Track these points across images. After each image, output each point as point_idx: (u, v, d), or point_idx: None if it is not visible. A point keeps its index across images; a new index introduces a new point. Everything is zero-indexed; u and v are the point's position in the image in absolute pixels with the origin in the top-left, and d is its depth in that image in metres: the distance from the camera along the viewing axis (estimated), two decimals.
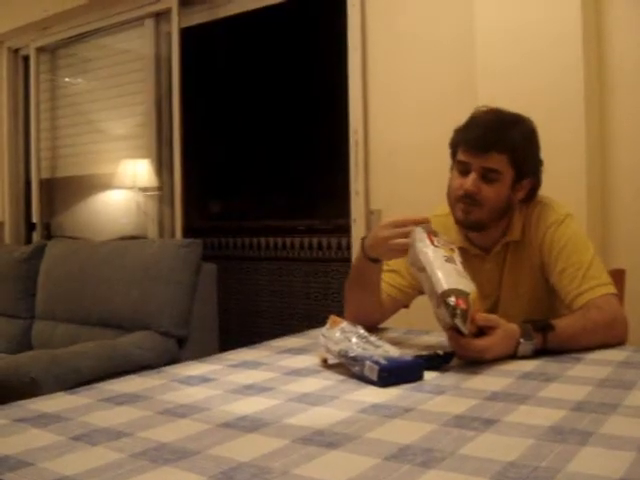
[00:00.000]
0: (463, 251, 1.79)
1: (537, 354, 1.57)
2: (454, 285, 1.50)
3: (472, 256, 1.92)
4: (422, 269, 1.56)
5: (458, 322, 1.47)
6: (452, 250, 1.61)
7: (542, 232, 1.86)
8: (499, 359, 1.53)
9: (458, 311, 1.46)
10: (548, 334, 1.57)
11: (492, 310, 1.87)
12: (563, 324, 1.62)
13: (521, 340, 1.55)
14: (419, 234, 1.61)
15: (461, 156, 1.86)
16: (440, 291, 1.50)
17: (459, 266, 1.57)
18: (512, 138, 1.80)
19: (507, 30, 2.66)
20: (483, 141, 1.81)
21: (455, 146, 1.92)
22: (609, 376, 1.38)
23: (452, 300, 1.47)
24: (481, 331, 1.52)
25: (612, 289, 1.76)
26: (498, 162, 1.80)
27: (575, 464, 0.89)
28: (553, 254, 1.83)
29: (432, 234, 1.61)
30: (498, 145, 1.79)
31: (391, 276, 1.97)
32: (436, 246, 1.58)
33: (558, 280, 1.81)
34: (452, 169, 1.94)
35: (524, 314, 1.83)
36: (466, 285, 1.52)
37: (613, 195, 2.59)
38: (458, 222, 1.91)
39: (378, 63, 3.28)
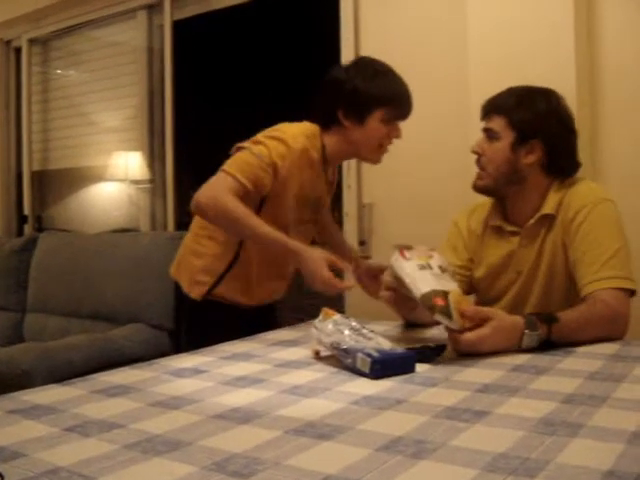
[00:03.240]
0: (498, 229, 1.99)
1: (542, 346, 1.57)
2: (429, 287, 1.55)
3: (508, 233, 1.99)
4: (402, 283, 1.63)
5: (439, 318, 1.51)
6: (429, 257, 1.67)
7: (575, 209, 1.87)
8: (500, 352, 1.54)
9: (436, 308, 1.50)
10: (553, 326, 1.58)
11: (528, 285, 1.95)
12: (568, 317, 1.62)
13: (526, 331, 1.56)
14: (393, 254, 1.69)
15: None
16: (418, 296, 1.55)
17: (436, 270, 1.62)
18: (510, 102, 1.94)
19: (499, 25, 2.66)
20: (486, 105, 2.00)
21: None
22: (599, 369, 1.39)
23: (429, 300, 1.52)
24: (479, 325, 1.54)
25: (628, 284, 1.75)
26: (496, 123, 1.94)
27: (565, 456, 0.90)
28: (581, 233, 1.83)
29: (404, 249, 1.68)
30: (496, 108, 1.96)
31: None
32: (408, 259, 1.64)
33: (579, 260, 1.82)
34: None
35: (542, 288, 1.92)
36: (444, 285, 1.57)
37: (603, 183, 2.58)
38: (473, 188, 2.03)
39: (371, 51, 3.27)
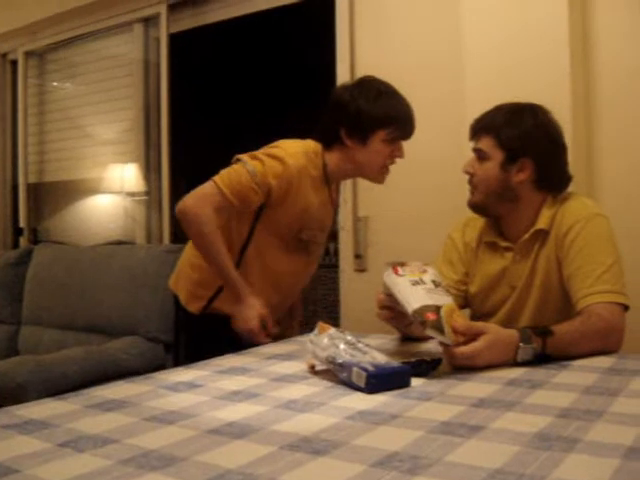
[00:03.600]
0: (492, 245, 2.00)
1: (538, 360, 1.57)
2: (420, 303, 1.55)
3: (502, 249, 2.00)
4: (396, 300, 1.63)
5: (431, 333, 1.52)
6: (423, 272, 1.67)
7: (568, 224, 1.88)
8: (495, 366, 1.54)
9: (428, 322, 1.51)
10: (547, 339, 1.58)
11: (522, 300, 1.95)
12: (563, 330, 1.62)
13: (521, 344, 1.55)
14: (385, 271, 1.69)
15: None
16: (410, 312, 1.55)
17: (429, 284, 1.62)
18: (497, 121, 1.94)
19: (495, 39, 2.67)
20: (474, 126, 2.00)
21: None
22: (595, 383, 1.38)
23: (420, 315, 1.52)
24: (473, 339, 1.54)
25: (621, 299, 1.75)
26: (485, 143, 1.94)
27: (560, 471, 0.89)
28: (574, 248, 1.84)
29: (397, 266, 1.68)
30: (484, 128, 1.95)
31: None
32: (401, 275, 1.65)
33: (573, 275, 1.82)
34: None
35: (536, 303, 1.92)
36: (437, 299, 1.57)
37: (599, 199, 2.60)
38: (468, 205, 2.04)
39: (366, 67, 3.28)
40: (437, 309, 1.52)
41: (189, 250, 2.33)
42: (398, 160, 2.23)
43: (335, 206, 2.37)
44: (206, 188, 2.10)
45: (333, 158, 2.21)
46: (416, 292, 1.59)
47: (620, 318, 1.74)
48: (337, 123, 2.17)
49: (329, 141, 2.21)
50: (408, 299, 1.57)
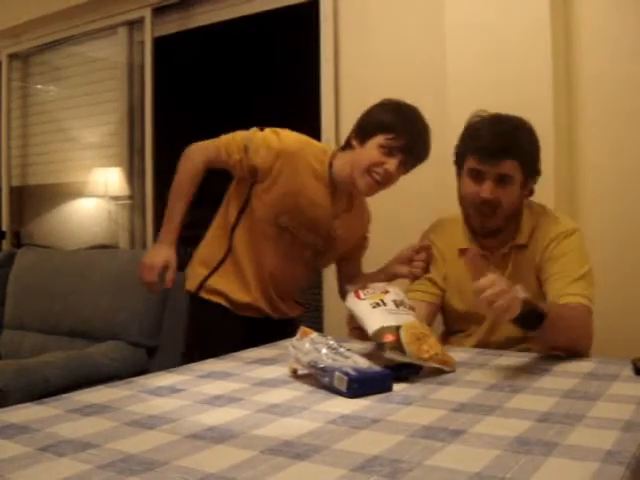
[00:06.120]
0: (469, 253, 1.92)
1: (533, 320, 1.57)
2: (379, 324, 1.57)
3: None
4: (360, 323, 1.65)
5: (390, 355, 1.51)
6: (384, 293, 1.68)
7: (549, 238, 1.94)
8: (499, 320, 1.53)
9: (386, 345, 1.51)
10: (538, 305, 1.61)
11: None
12: (548, 305, 1.69)
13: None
14: (348, 296, 1.72)
15: (474, 164, 1.93)
16: (370, 335, 1.57)
17: (390, 305, 1.63)
18: (520, 143, 1.91)
19: (477, 45, 2.69)
20: (496, 149, 1.89)
21: (463, 155, 1.99)
22: (575, 387, 1.40)
23: (379, 337, 1.54)
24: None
25: (590, 305, 1.81)
26: (511, 168, 1.90)
27: (540, 475, 0.90)
28: (552, 259, 1.90)
29: (358, 290, 1.70)
30: (510, 152, 1.89)
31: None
32: (362, 299, 1.67)
33: (549, 282, 1.88)
34: (461, 176, 2.01)
35: None
36: (397, 319, 1.58)
37: (581, 195, 2.62)
38: (476, 228, 2.01)
39: (350, 75, 3.29)
40: (397, 329, 1.53)
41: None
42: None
43: (336, 213, 2.28)
44: (210, 143, 2.30)
45: (340, 159, 2.22)
46: (375, 315, 1.60)
47: (589, 320, 1.80)
48: (354, 128, 2.22)
49: (345, 145, 2.26)
50: (367, 322, 1.59)
